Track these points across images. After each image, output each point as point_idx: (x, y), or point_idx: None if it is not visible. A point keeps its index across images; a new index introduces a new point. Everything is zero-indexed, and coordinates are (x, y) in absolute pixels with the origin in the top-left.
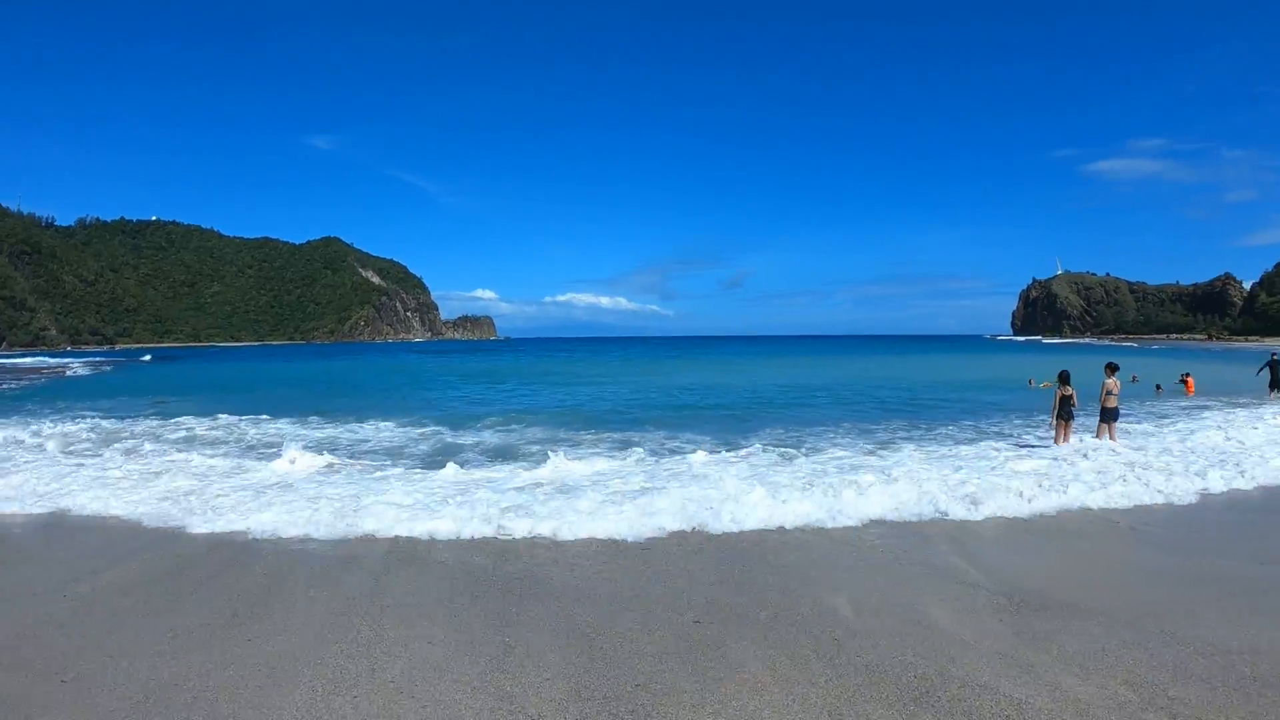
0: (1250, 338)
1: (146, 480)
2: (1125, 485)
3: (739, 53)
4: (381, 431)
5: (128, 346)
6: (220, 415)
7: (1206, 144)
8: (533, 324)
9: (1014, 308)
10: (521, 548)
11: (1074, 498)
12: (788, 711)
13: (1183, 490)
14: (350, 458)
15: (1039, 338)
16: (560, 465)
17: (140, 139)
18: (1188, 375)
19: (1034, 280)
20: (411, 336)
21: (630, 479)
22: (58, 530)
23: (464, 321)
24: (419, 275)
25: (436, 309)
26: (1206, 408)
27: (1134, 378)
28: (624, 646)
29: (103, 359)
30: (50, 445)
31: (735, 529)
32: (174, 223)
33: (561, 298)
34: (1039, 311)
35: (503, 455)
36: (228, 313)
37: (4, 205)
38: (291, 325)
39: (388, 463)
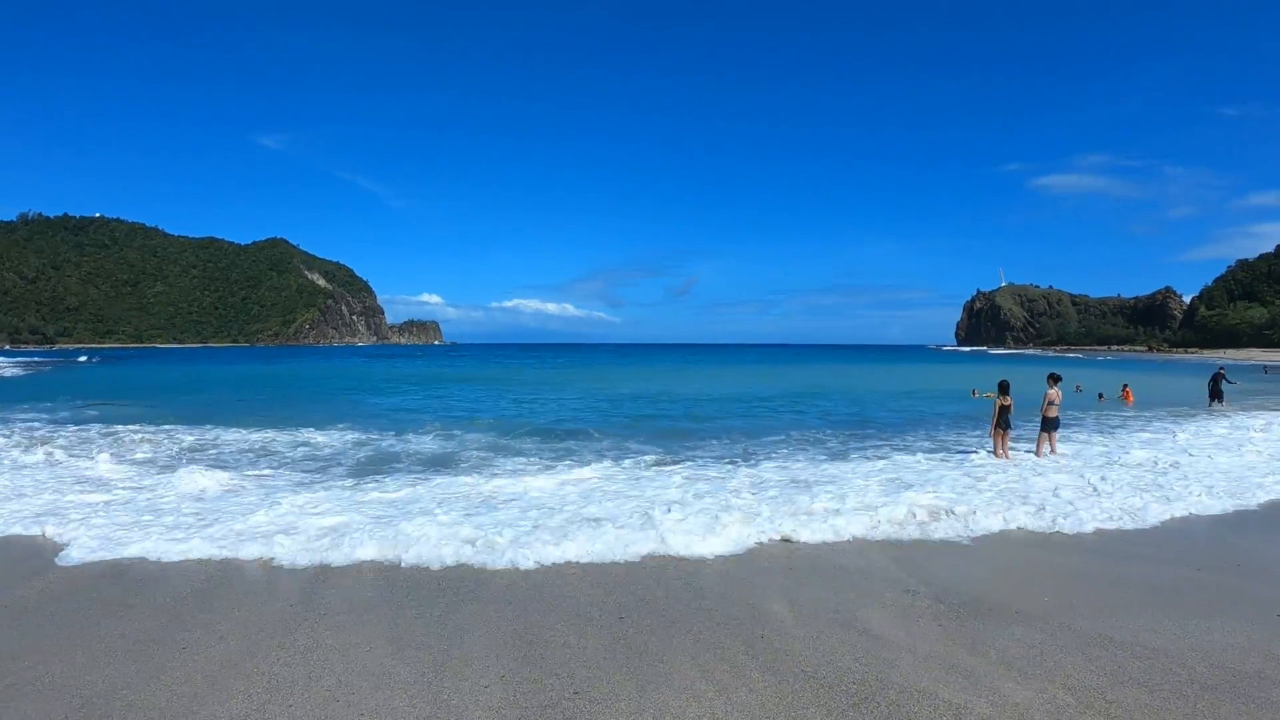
0: (1190, 350)
1: (61, 488)
2: (1058, 499)
3: (692, 61)
4: (319, 439)
5: (67, 346)
6: (155, 423)
7: (1150, 161)
8: (479, 329)
9: (958, 319)
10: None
11: (1014, 511)
12: (725, 717)
13: (1122, 500)
14: (275, 469)
15: (985, 348)
16: (496, 485)
17: (85, 133)
18: (1127, 386)
19: (978, 292)
20: (357, 341)
21: (568, 499)
22: None
23: (410, 326)
24: (365, 279)
25: (383, 313)
26: (1146, 417)
27: (1078, 387)
28: (561, 653)
29: (41, 359)
30: None
31: (674, 554)
32: (118, 220)
33: (508, 303)
34: (983, 323)
35: (439, 464)
36: (171, 314)
37: None
38: (236, 327)
39: (315, 475)
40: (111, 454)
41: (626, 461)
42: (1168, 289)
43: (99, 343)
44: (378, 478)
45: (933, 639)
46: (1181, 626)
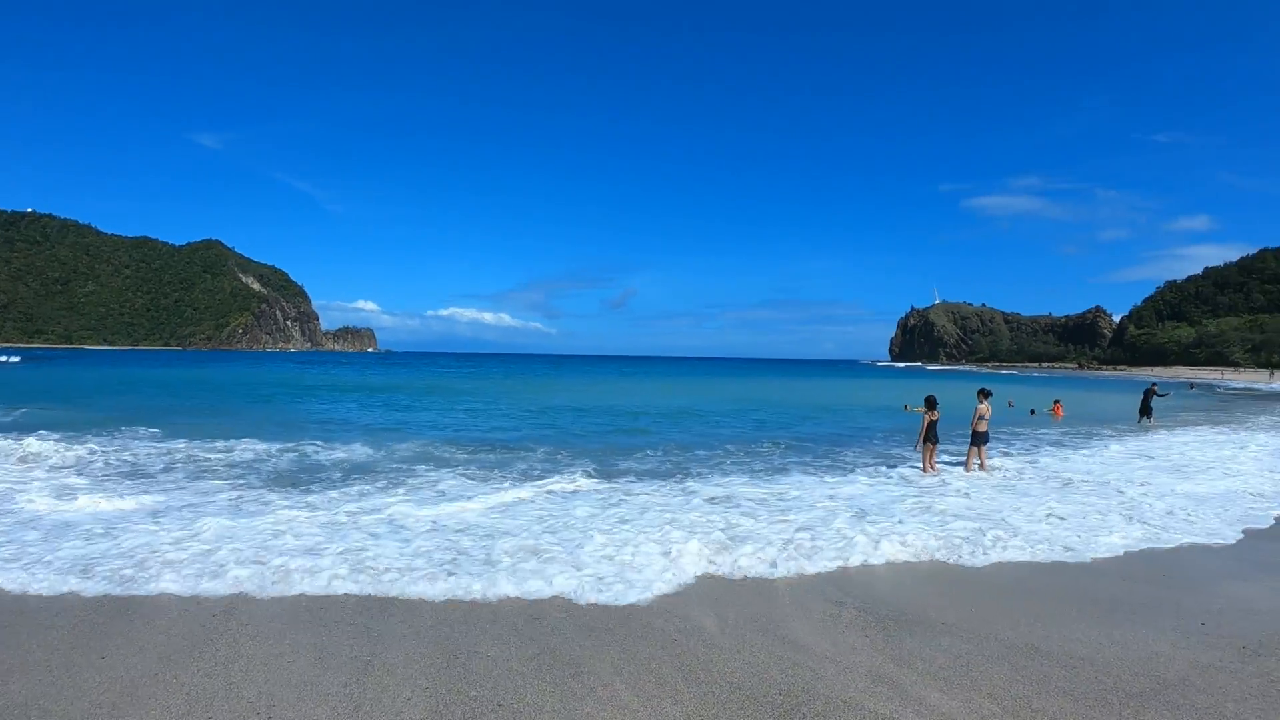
0: (1119, 368)
1: None
2: (986, 513)
3: (633, 72)
4: (242, 450)
5: None
6: (69, 429)
7: (1083, 184)
8: (414, 337)
9: (892, 334)
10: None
11: (944, 526)
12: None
13: (1048, 513)
14: (191, 480)
15: (921, 364)
16: (417, 510)
17: (17, 125)
18: (1056, 402)
19: (912, 309)
20: (290, 346)
21: (495, 526)
22: None
23: (344, 333)
24: (300, 283)
25: (317, 319)
26: (1078, 433)
27: (1010, 403)
28: (485, 664)
29: None
30: None
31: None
32: (50, 216)
33: (444, 312)
34: (917, 339)
35: (363, 480)
36: (102, 314)
37: None
38: (168, 330)
39: (237, 488)
40: (20, 459)
41: (558, 480)
42: (1098, 308)
43: (27, 342)
44: (298, 492)
45: (859, 650)
46: (1108, 635)
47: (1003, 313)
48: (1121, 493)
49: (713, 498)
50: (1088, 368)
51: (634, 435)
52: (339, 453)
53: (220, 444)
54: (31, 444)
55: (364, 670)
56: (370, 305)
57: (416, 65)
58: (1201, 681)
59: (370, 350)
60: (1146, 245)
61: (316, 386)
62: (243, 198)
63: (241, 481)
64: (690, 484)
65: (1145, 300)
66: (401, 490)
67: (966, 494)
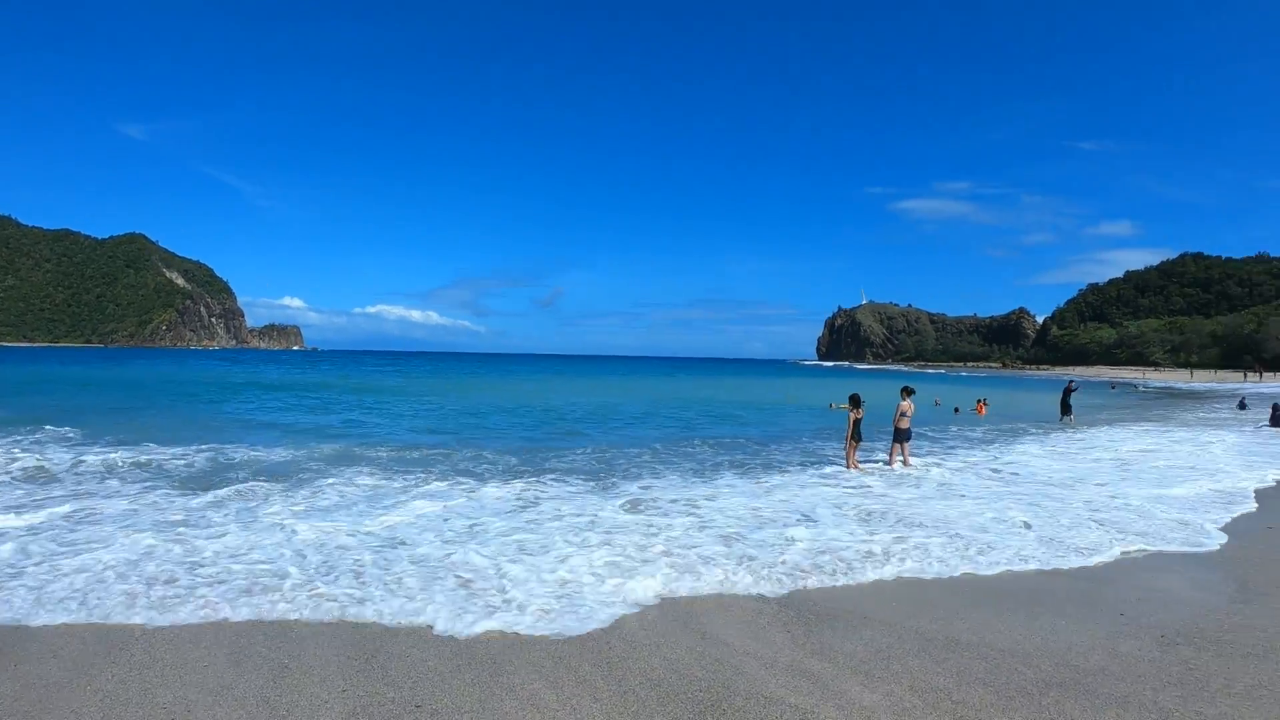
0: (1042, 367)
1: None
2: (907, 508)
3: (563, 71)
4: (158, 450)
5: None
6: None
7: (1009, 190)
8: (341, 335)
9: (820, 334)
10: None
11: (865, 526)
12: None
13: (970, 508)
14: (101, 480)
15: (849, 363)
16: (327, 524)
17: None
18: (980, 400)
19: (839, 309)
20: (215, 344)
21: (407, 545)
22: None
23: (270, 330)
24: (225, 279)
25: (242, 315)
26: (1003, 430)
27: (937, 401)
28: (403, 665)
29: None
30: None
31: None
32: None
33: (372, 309)
34: (843, 339)
35: (281, 476)
36: (21, 310)
37: None
38: (89, 327)
39: (154, 492)
40: None
41: (480, 487)
42: (1022, 310)
43: None
44: (209, 496)
45: (781, 645)
46: (1027, 627)
47: (929, 313)
48: (1036, 486)
49: (637, 500)
50: (1012, 367)
51: (560, 436)
52: (256, 453)
53: (136, 446)
54: None
55: (280, 673)
56: (297, 302)
57: (347, 58)
58: (1120, 670)
59: (296, 348)
60: (1070, 249)
61: (241, 385)
62: (168, 190)
63: (152, 485)
64: (616, 485)
65: (1068, 302)
66: (319, 495)
67: (887, 491)
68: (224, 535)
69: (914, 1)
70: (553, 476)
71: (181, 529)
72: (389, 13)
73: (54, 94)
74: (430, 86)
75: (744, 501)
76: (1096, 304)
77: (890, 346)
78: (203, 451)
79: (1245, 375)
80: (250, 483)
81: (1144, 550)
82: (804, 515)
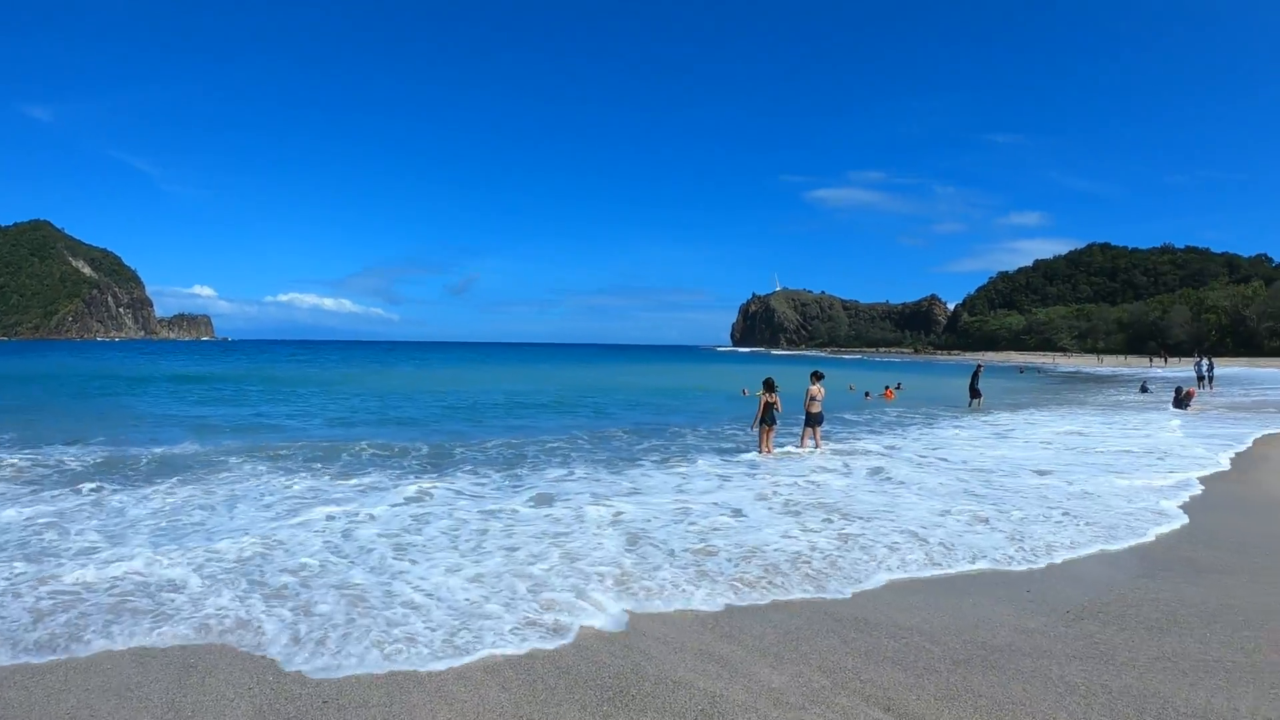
0: (952, 352)
1: None
2: (817, 489)
3: (475, 59)
4: (53, 448)
5: None
6: None
7: (922, 180)
8: (253, 325)
9: (734, 321)
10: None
11: (775, 508)
12: (476, 717)
13: (876, 489)
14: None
15: (765, 349)
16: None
17: None
18: (887, 387)
19: (754, 295)
20: (123, 335)
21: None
22: None
23: (180, 320)
24: (134, 268)
25: (151, 305)
26: (918, 415)
27: (850, 387)
28: (311, 662)
29: None
30: None
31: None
32: None
33: (284, 297)
34: (758, 325)
35: (180, 474)
36: None
37: None
38: None
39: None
40: None
41: (385, 484)
42: (933, 296)
43: None
44: (92, 496)
45: (690, 629)
46: (935, 605)
47: (842, 300)
48: (944, 469)
49: (546, 494)
50: (923, 352)
51: (470, 424)
52: (159, 449)
53: (32, 446)
54: None
55: (185, 672)
56: (207, 291)
57: (260, 39)
58: (1027, 646)
59: (207, 339)
60: (981, 238)
61: (149, 378)
62: (74, 175)
63: (39, 488)
64: (526, 477)
65: (979, 289)
66: (220, 496)
67: (800, 475)
68: (108, 534)
69: None
70: (461, 467)
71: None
72: None
73: None
74: (340, 69)
75: (664, 495)
76: (1006, 291)
77: (804, 333)
78: (103, 448)
79: (1151, 360)
80: (154, 478)
81: (1048, 526)
82: (716, 497)
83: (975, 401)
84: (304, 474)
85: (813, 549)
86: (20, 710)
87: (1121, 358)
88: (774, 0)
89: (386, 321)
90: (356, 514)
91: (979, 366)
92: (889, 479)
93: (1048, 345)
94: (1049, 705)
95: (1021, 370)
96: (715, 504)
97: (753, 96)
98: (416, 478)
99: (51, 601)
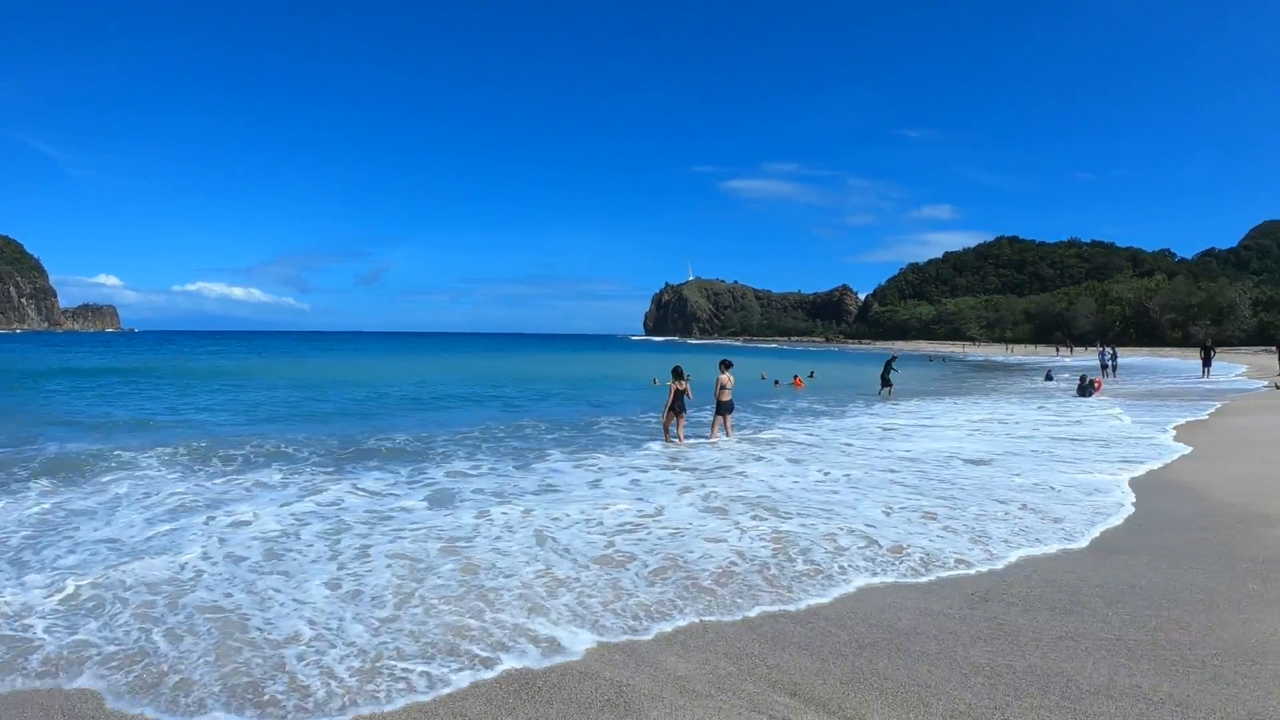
0: (863, 341)
1: None
2: (723, 478)
3: (384, 49)
4: None
5: None
6: None
7: (835, 172)
8: (160, 315)
9: (647, 310)
10: None
11: (682, 499)
12: (388, 713)
13: (782, 472)
14: None
15: (679, 338)
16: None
17: None
18: (796, 376)
19: (667, 285)
20: (26, 327)
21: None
22: None
23: (85, 310)
24: (37, 256)
25: (55, 295)
26: (829, 403)
27: (763, 375)
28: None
29: None
30: None
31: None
32: None
33: (192, 287)
34: (671, 314)
35: (64, 476)
36: None
37: None
38: None
39: None
40: None
41: (284, 483)
42: (845, 287)
43: None
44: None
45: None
46: (841, 590)
47: (755, 290)
48: (853, 456)
49: (452, 490)
50: (835, 341)
51: (381, 417)
52: (50, 449)
53: None
54: None
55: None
56: (113, 280)
57: (166, 14)
58: (933, 629)
59: (113, 330)
60: (892, 230)
61: (50, 372)
62: None
63: None
64: (431, 472)
65: (889, 280)
66: (102, 500)
67: (712, 465)
68: None
69: None
70: (365, 461)
71: None
72: None
73: None
74: (252, 51)
75: (569, 479)
76: (917, 282)
77: (717, 322)
78: None
79: (1058, 350)
80: (32, 481)
81: (944, 510)
82: (624, 485)
83: (885, 390)
84: (199, 473)
85: (741, 555)
86: None
87: (1029, 347)
88: None
89: (297, 311)
90: (244, 518)
91: (893, 356)
92: (816, 470)
93: (957, 335)
94: (954, 685)
95: (930, 359)
96: (634, 500)
97: (667, 86)
98: (321, 474)
99: None
